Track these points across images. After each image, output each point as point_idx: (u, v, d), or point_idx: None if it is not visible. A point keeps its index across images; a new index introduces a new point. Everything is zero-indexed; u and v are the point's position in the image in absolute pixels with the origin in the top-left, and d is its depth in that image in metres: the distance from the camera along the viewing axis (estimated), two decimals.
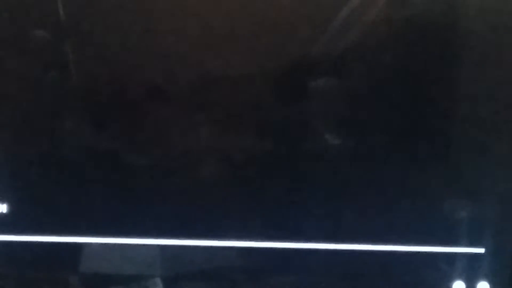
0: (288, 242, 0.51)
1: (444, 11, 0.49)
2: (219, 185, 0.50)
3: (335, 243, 0.51)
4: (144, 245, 0.51)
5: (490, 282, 0.52)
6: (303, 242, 0.51)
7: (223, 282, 0.52)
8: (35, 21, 0.47)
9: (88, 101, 0.49)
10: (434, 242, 0.51)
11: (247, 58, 0.49)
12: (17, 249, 0.50)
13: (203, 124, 0.50)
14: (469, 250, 0.52)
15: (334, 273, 0.52)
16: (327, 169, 0.51)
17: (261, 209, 0.51)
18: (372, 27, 0.49)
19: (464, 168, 0.51)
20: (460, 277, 0.52)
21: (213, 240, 0.50)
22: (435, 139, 0.51)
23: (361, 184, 0.51)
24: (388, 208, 0.51)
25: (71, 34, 0.48)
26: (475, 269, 0.52)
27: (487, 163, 0.51)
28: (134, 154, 0.50)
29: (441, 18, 0.49)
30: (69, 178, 0.50)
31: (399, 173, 0.51)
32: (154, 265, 0.51)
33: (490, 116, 0.50)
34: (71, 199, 0.50)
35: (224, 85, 0.49)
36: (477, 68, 0.50)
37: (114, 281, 0.51)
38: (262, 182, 0.51)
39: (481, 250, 0.52)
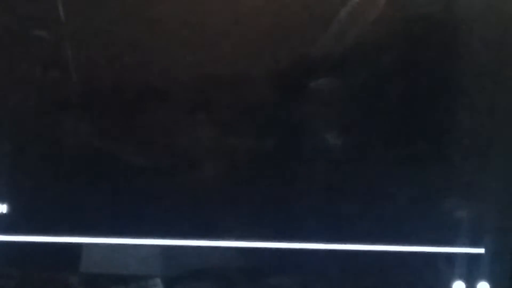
0: (288, 242, 0.51)
1: (444, 11, 0.49)
2: (219, 185, 0.50)
3: (335, 243, 0.51)
4: (144, 245, 0.51)
5: (490, 282, 0.52)
6: (303, 242, 0.51)
7: (223, 282, 0.52)
8: (35, 21, 0.47)
9: (88, 101, 0.49)
10: (434, 242, 0.51)
11: (247, 58, 0.49)
12: (17, 249, 0.50)
13: (203, 124, 0.50)
14: (469, 250, 0.52)
15: (334, 273, 0.52)
16: (327, 169, 0.51)
17: (261, 209, 0.51)
18: (372, 27, 0.49)
19: (464, 168, 0.51)
20: (460, 277, 0.52)
21: (213, 240, 0.50)
22: (435, 139, 0.51)
23: (361, 184, 0.51)
24: (388, 208, 0.51)
25: (71, 34, 0.48)
26: (475, 269, 0.52)
27: (487, 163, 0.51)
28: (134, 154, 0.50)
29: (441, 18, 0.49)
30: (69, 178, 0.50)
31: (399, 173, 0.51)
32: (154, 265, 0.51)
33: (490, 116, 0.51)
34: (71, 199, 0.50)
35: (224, 85, 0.49)
36: (478, 68, 0.50)
37: (114, 281, 0.51)
38: (262, 182, 0.51)
39: (481, 250, 0.52)
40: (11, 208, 0.49)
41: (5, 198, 0.49)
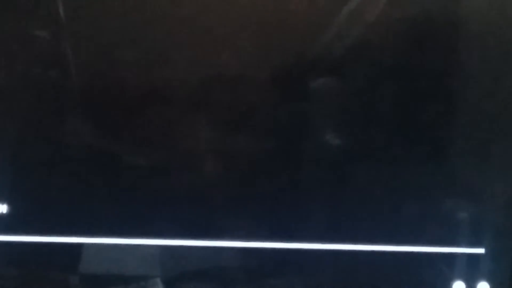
0: (288, 242, 0.51)
1: (444, 11, 0.49)
2: (219, 185, 0.50)
3: (335, 243, 0.51)
4: (144, 245, 0.51)
5: (490, 282, 0.52)
6: (303, 242, 0.51)
7: (223, 282, 0.52)
8: (35, 21, 0.47)
9: (88, 102, 0.49)
10: (434, 242, 0.51)
11: (247, 58, 0.49)
12: (17, 249, 0.50)
13: (203, 125, 0.50)
14: (469, 250, 0.52)
15: (334, 273, 0.52)
16: (327, 169, 0.51)
17: (261, 209, 0.51)
18: (372, 27, 0.49)
19: (464, 168, 0.51)
20: (460, 277, 0.52)
21: (213, 240, 0.50)
22: (435, 139, 0.51)
23: (361, 185, 0.51)
24: (388, 208, 0.51)
25: (71, 34, 0.48)
26: (475, 269, 0.52)
27: (487, 164, 0.51)
28: (134, 155, 0.50)
29: (441, 18, 0.49)
30: (69, 178, 0.50)
31: (399, 173, 0.51)
32: (154, 265, 0.51)
33: (490, 116, 0.51)
34: (71, 199, 0.50)
35: (224, 85, 0.49)
36: (477, 68, 0.50)
37: (114, 281, 0.51)
38: (262, 182, 0.51)
39: (481, 250, 0.52)
40: (11, 208, 0.49)
41: (5, 198, 0.49)
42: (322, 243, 0.51)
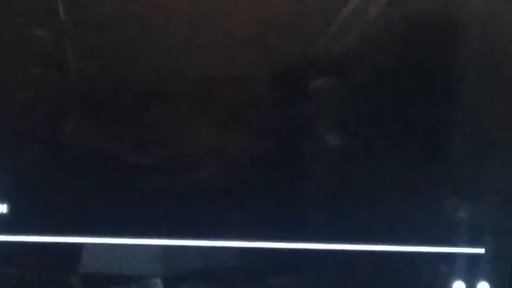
0: (288, 242, 0.51)
1: (444, 11, 0.49)
2: (219, 185, 0.50)
3: (335, 243, 0.51)
4: (144, 245, 0.51)
5: (490, 282, 0.52)
6: (303, 242, 0.51)
7: (223, 282, 0.52)
8: (35, 21, 0.47)
9: (88, 101, 0.49)
10: (434, 242, 0.51)
11: (247, 58, 0.49)
12: (17, 249, 0.50)
13: (203, 124, 0.50)
14: (469, 250, 0.52)
15: (333, 273, 0.52)
16: (327, 169, 0.51)
17: (261, 209, 0.51)
18: (372, 27, 0.49)
19: (464, 168, 0.51)
20: (460, 277, 0.52)
21: (213, 240, 0.50)
22: (435, 139, 0.51)
23: (361, 185, 0.51)
24: (388, 208, 0.51)
25: (71, 34, 0.48)
26: (475, 269, 0.52)
27: (487, 163, 0.51)
28: (134, 154, 0.50)
29: (441, 18, 0.49)
30: (69, 178, 0.50)
31: (399, 173, 0.51)
32: (154, 265, 0.51)
33: (490, 116, 0.51)
34: (71, 199, 0.50)
35: (224, 85, 0.49)
36: (477, 68, 0.50)
37: (114, 281, 0.51)
38: (262, 182, 0.51)
39: (481, 250, 0.52)
40: (11, 208, 0.49)
41: (5, 198, 0.49)
42: (322, 243, 0.51)
